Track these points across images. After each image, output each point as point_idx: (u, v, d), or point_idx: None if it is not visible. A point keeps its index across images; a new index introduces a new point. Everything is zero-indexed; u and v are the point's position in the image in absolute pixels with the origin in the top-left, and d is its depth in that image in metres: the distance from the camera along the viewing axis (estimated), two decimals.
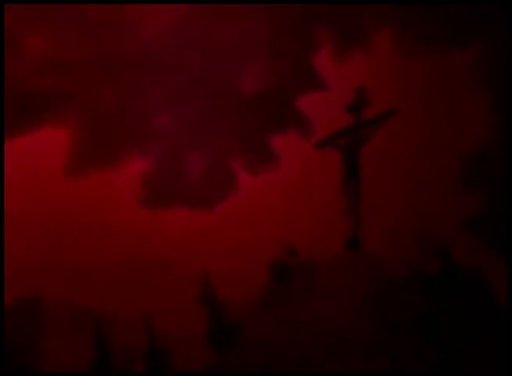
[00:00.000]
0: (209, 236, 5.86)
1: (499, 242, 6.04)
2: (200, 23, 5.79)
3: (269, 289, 6.14)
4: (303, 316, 5.92)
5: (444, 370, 5.88)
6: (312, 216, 6.05)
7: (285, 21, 6.12)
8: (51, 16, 5.58)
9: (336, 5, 6.02)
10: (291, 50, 6.10)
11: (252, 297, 6.04)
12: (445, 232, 6.12)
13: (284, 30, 6.05)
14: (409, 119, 6.18)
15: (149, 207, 5.80)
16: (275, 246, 6.07)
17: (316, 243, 6.10)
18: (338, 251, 6.11)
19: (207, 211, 5.86)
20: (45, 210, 5.66)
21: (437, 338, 5.86)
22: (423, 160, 6.11)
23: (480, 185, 6.15)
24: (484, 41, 6.31)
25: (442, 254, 6.09)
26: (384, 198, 6.11)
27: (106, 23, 5.66)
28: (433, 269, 6.17)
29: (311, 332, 5.84)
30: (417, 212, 6.14)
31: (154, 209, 5.81)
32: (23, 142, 5.59)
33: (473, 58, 6.34)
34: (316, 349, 5.77)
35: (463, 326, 6.00)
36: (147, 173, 5.76)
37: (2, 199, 5.37)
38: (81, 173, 5.66)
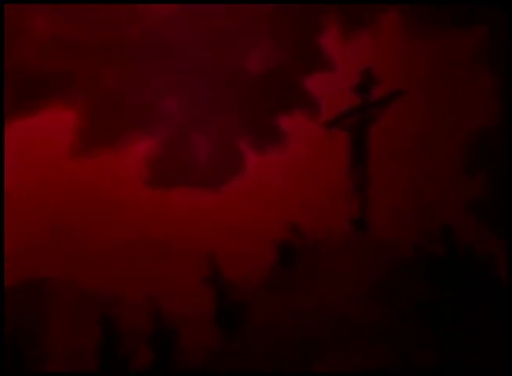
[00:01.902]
0: (215, 217, 5.81)
1: (500, 224, 6.09)
2: (206, 7, 5.75)
3: (275, 271, 6.13)
4: (307, 301, 5.85)
5: (446, 357, 5.99)
6: (319, 197, 6.00)
7: (292, 3, 6.11)
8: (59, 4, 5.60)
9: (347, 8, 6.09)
10: (297, 32, 6.07)
11: (258, 278, 6.03)
12: (448, 214, 6.15)
13: (291, 12, 6.02)
14: (414, 101, 6.09)
15: (154, 188, 5.77)
16: (281, 226, 6.10)
17: (322, 224, 6.10)
18: (344, 232, 6.14)
19: (214, 192, 5.84)
20: (51, 191, 5.63)
21: (440, 324, 5.94)
22: (427, 143, 6.02)
23: (482, 169, 6.17)
24: (488, 24, 6.30)
25: (446, 235, 6.12)
26: (390, 180, 6.08)
27: (114, 7, 5.63)
28: (437, 251, 6.21)
29: (314, 316, 5.81)
30: (422, 195, 6.11)
31: (160, 190, 5.79)
32: (30, 123, 5.57)
33: (477, 40, 6.34)
34: (319, 333, 5.76)
35: (466, 311, 6.09)
36: (153, 154, 5.74)
37: (2, 186, 5.37)
38: (87, 154, 5.65)
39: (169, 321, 5.96)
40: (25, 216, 5.66)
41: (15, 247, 5.76)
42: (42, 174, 5.53)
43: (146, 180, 5.71)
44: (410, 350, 5.75)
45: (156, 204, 5.87)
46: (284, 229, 6.14)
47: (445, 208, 6.22)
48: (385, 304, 5.89)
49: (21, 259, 5.70)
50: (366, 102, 5.79)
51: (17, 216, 5.66)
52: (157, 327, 5.99)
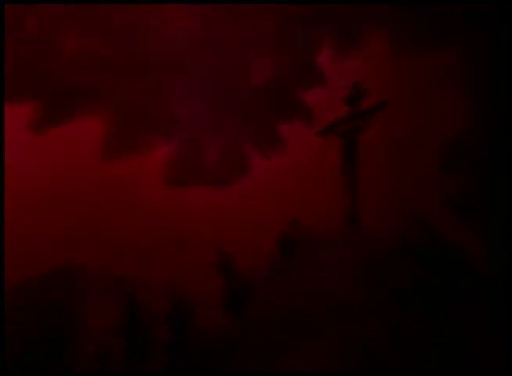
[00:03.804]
0: (225, 212, 6.26)
1: (478, 218, 6.54)
2: (215, 25, 6.22)
3: (277, 260, 6.58)
4: (305, 285, 5.91)
5: (429, 333, 6.11)
6: (315, 194, 6.49)
7: (292, 23, 6.57)
8: (84, 21, 6.04)
9: (336, 12, 6.55)
10: (295, 49, 6.54)
11: (262, 266, 6.53)
12: (428, 209, 6.64)
13: (291, 32, 6.50)
14: (399, 110, 6.54)
15: (172, 187, 6.18)
16: (282, 220, 6.58)
17: (319, 218, 6.60)
18: (338, 225, 6.60)
19: (223, 190, 6.26)
20: (82, 188, 6.09)
21: (422, 305, 6.20)
22: (411, 146, 6.47)
23: (460, 168, 6.65)
24: (462, 44, 6.83)
25: (426, 227, 6.61)
26: (377, 180, 6.55)
27: (132, 25, 6.13)
28: (418, 241, 6.71)
29: (312, 298, 5.85)
30: (406, 193, 6.63)
31: (177, 188, 6.21)
32: (62, 131, 6.05)
33: (454, 57, 6.83)
34: (317, 313, 6.18)
35: (444, 294, 6.56)
36: (170, 157, 6.15)
37: (2, 187, 5.63)
38: (112, 157, 6.07)
39: (185, 303, 6.53)
40: (60, 211, 6.11)
41: (51, 238, 6.27)
42: (74, 174, 5.94)
43: (165, 180, 6.11)
44: (398, 326, 6.34)
45: (174, 200, 6.26)
46: (285, 222, 6.66)
47: (425, 204, 6.75)
48: (374, 287, 6.42)
49: (59, 247, 6.20)
50: (356, 112, 6.18)
51: (52, 211, 6.15)
52: (175, 308, 6.50)
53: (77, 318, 5.99)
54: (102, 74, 5.85)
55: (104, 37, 5.79)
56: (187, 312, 5.97)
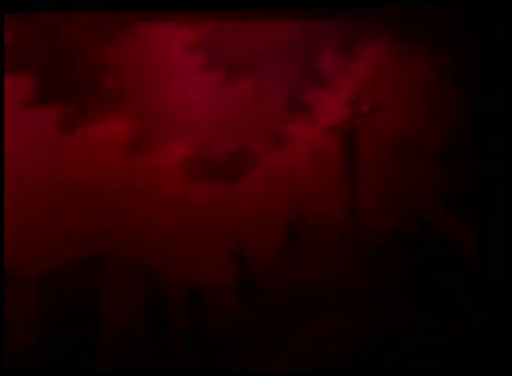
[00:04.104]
0: (237, 204, 6.62)
1: (467, 210, 6.32)
2: (228, 35, 6.57)
3: (283, 247, 7.00)
4: (308, 270, 6.43)
5: (421, 318, 6.20)
6: (319, 189, 6.86)
7: (299, 31, 6.87)
8: (113, 31, 6.49)
9: (339, 21, 6.81)
10: (302, 55, 6.85)
11: (271, 253, 6.44)
12: (423, 202, 6.49)
13: (296, 41, 6.79)
14: (397, 111, 6.60)
15: (189, 180, 6.54)
16: (289, 211, 6.61)
17: (322, 211, 7.00)
18: (340, 217, 6.53)
19: (235, 184, 6.57)
20: (108, 182, 6.46)
21: (416, 290, 6.26)
22: (407, 144, 6.55)
23: (453, 165, 6.94)
24: (451, 49, 6.49)
25: (419, 219, 6.46)
26: (375, 175, 6.58)
27: (148, 39, 6.59)
28: (414, 233, 6.44)
29: (314, 282, 6.38)
30: (402, 187, 6.54)
31: (193, 181, 6.55)
32: (91, 130, 6.49)
33: (444, 62, 7.03)
34: (319, 295, 6.36)
35: (437, 280, 6.29)
36: (187, 155, 6.51)
37: (2, 185, 6.01)
38: (136, 155, 6.48)
39: (201, 286, 6.38)
40: (86, 202, 6.44)
41: (77, 227, 6.24)
42: (100, 169, 6.31)
43: (183, 175, 6.41)
44: (391, 309, 6.19)
45: (190, 194, 6.56)
46: (291, 213, 7.01)
47: (420, 197, 6.45)
48: (371, 273, 6.36)
49: (85, 235, 6.26)
50: (356, 113, 6.60)
51: (79, 202, 6.50)
52: (192, 292, 6.33)
53: (101, 303, 6.40)
54: (127, 79, 6.38)
55: (131, 46, 6.33)
56: (202, 297, 6.42)
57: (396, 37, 6.86)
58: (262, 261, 6.59)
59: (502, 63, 6.31)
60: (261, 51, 6.57)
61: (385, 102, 6.63)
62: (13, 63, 6.37)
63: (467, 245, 6.29)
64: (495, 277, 6.09)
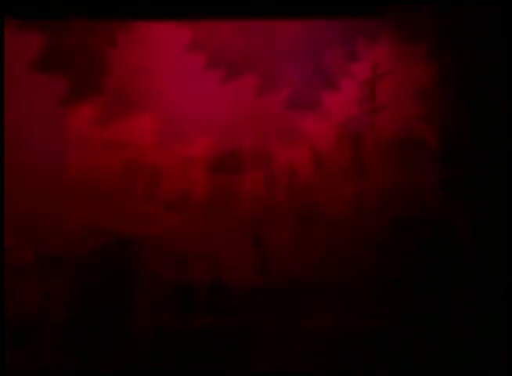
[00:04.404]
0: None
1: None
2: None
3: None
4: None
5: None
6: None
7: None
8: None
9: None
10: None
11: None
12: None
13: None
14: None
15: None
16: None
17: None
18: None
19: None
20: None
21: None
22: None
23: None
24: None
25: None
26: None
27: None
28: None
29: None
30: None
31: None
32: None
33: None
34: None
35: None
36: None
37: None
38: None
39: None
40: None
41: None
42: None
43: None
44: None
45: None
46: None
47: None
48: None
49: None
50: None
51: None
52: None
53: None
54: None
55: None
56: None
57: (395, 38, 6.79)
58: (277, 247, 6.92)
59: (502, 63, 6.49)
60: (263, 50, 6.87)
61: (386, 102, 6.86)
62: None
63: (466, 233, 6.52)
64: (495, 277, 6.31)
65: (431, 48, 6.77)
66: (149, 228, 6.88)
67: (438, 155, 6.78)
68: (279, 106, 7.06)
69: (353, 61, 6.92)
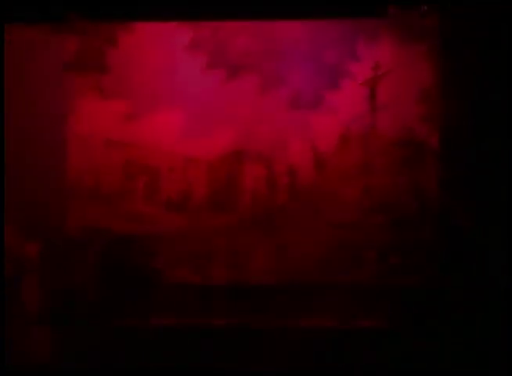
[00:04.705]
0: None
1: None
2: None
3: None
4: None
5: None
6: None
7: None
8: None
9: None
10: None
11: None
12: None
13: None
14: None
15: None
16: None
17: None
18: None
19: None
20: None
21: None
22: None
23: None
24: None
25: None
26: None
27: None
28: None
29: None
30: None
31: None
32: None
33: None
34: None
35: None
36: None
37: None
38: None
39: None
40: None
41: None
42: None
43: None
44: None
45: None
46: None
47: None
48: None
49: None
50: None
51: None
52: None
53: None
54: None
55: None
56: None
57: (396, 38, 6.79)
58: (278, 247, 6.92)
59: (502, 63, 6.43)
60: (265, 50, 6.91)
61: (386, 102, 6.87)
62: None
63: (466, 233, 6.53)
64: (495, 277, 6.28)
65: (432, 49, 6.78)
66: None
67: (438, 155, 6.81)
68: (280, 106, 7.10)
69: (354, 61, 6.96)
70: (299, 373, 6.41)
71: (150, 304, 6.72)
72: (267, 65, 6.92)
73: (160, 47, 6.83)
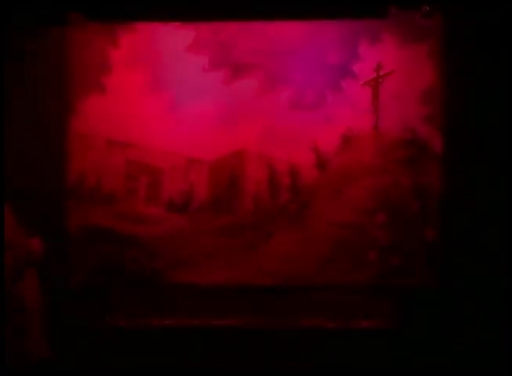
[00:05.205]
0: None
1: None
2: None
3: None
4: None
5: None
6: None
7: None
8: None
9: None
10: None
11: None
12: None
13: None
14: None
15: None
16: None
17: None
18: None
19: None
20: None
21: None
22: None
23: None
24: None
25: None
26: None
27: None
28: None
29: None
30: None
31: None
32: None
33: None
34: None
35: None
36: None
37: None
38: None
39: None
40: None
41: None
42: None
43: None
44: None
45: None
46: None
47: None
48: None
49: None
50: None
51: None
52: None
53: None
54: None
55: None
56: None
57: (398, 39, 6.78)
58: (278, 247, 6.96)
59: (502, 63, 6.43)
60: (267, 51, 6.97)
61: (388, 103, 6.85)
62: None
63: (466, 233, 6.60)
64: (495, 277, 6.31)
65: (434, 49, 6.77)
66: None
67: (440, 155, 6.81)
68: (282, 107, 7.15)
69: (356, 62, 6.96)
70: (299, 373, 6.40)
71: (151, 304, 6.66)
72: (269, 65, 6.88)
73: (162, 47, 6.85)
